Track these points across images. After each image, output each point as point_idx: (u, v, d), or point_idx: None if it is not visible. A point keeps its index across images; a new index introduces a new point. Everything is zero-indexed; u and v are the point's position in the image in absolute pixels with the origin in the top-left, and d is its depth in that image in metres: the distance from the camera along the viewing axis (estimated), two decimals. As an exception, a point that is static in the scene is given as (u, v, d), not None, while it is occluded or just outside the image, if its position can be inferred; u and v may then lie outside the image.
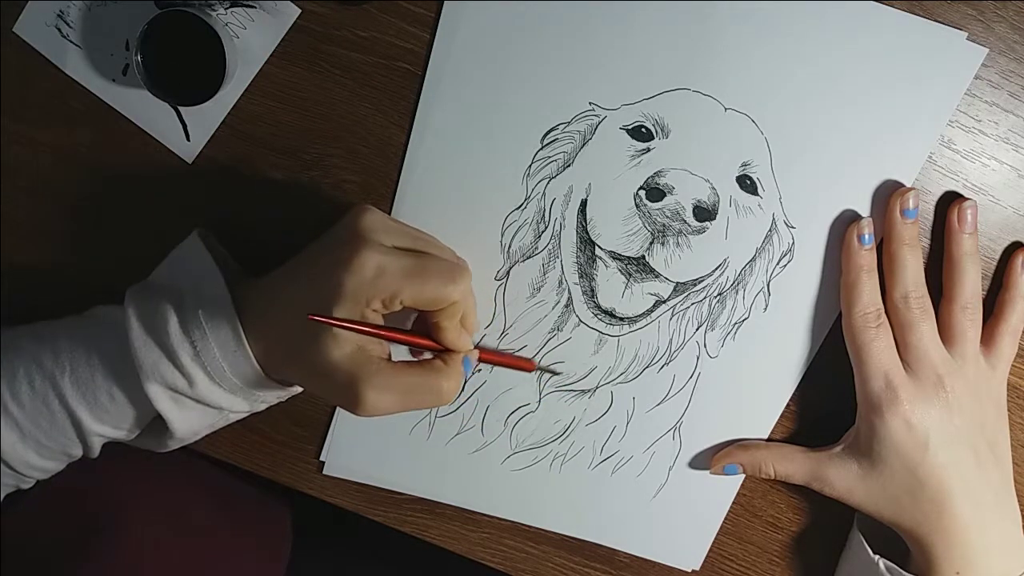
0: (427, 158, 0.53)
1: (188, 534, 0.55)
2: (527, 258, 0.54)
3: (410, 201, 0.53)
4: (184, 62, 0.49)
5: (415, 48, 0.51)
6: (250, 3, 0.51)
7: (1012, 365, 0.53)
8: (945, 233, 0.52)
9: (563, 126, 0.52)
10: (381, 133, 0.53)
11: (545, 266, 0.54)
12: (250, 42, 0.51)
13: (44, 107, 0.53)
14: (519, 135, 0.52)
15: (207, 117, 0.52)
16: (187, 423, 0.49)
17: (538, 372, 0.55)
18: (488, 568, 0.60)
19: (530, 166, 0.52)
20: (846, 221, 0.52)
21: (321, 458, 0.57)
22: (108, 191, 0.54)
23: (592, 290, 0.53)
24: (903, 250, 0.51)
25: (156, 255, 0.52)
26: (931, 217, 0.53)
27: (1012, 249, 0.53)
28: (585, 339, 0.54)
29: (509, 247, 0.53)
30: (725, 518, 0.58)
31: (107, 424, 0.49)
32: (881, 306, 0.51)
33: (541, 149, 0.52)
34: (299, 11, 0.51)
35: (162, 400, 0.47)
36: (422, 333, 0.49)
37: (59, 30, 0.52)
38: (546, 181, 0.53)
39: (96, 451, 0.50)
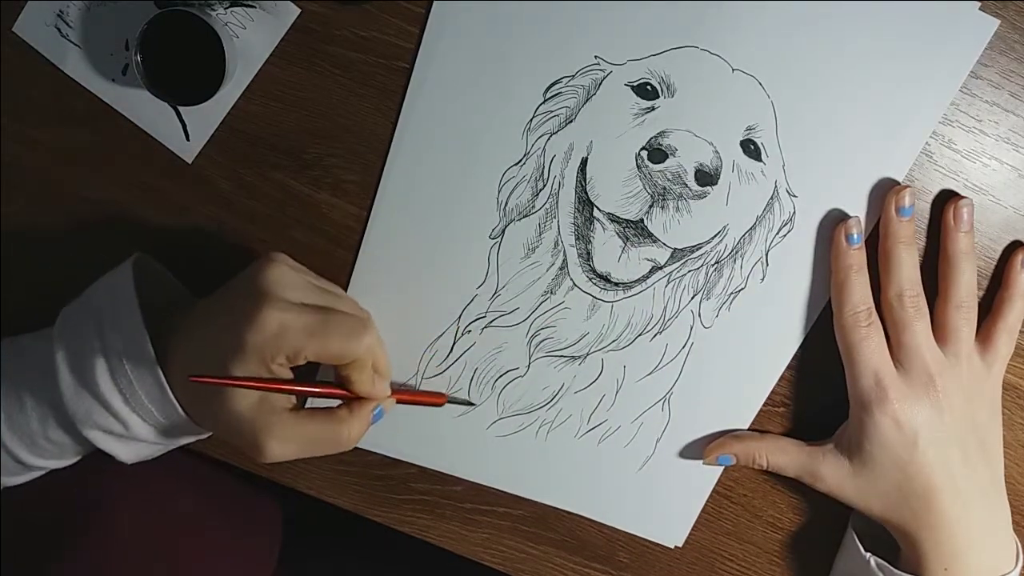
0: (426, 104, 0.51)
1: (174, 527, 0.55)
2: (523, 216, 0.52)
3: (406, 150, 0.52)
4: (184, 62, 0.49)
5: (415, 48, 0.51)
6: (250, 3, 0.51)
7: (1013, 365, 0.53)
8: (941, 231, 0.52)
9: (567, 79, 0.51)
10: (381, 133, 0.53)
11: (541, 226, 0.53)
12: (250, 42, 0.51)
13: (44, 107, 0.53)
14: (522, 87, 0.51)
15: (207, 117, 0.52)
16: (133, 453, 0.50)
17: (527, 338, 0.54)
18: (488, 568, 0.60)
19: (531, 120, 0.51)
20: (850, 192, 0.51)
21: None
22: (108, 191, 0.54)
23: (588, 253, 0.53)
24: (898, 248, 0.50)
25: (156, 255, 0.52)
26: (928, 216, 0.53)
27: (1012, 249, 0.53)
28: (578, 304, 0.53)
29: (505, 204, 0.52)
30: (725, 519, 0.58)
31: (49, 459, 0.50)
32: (871, 305, 0.51)
33: (544, 103, 0.51)
34: (299, 11, 0.51)
35: (102, 440, 0.48)
36: (336, 382, 0.49)
37: (59, 30, 0.52)
38: (547, 137, 0.51)
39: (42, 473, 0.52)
